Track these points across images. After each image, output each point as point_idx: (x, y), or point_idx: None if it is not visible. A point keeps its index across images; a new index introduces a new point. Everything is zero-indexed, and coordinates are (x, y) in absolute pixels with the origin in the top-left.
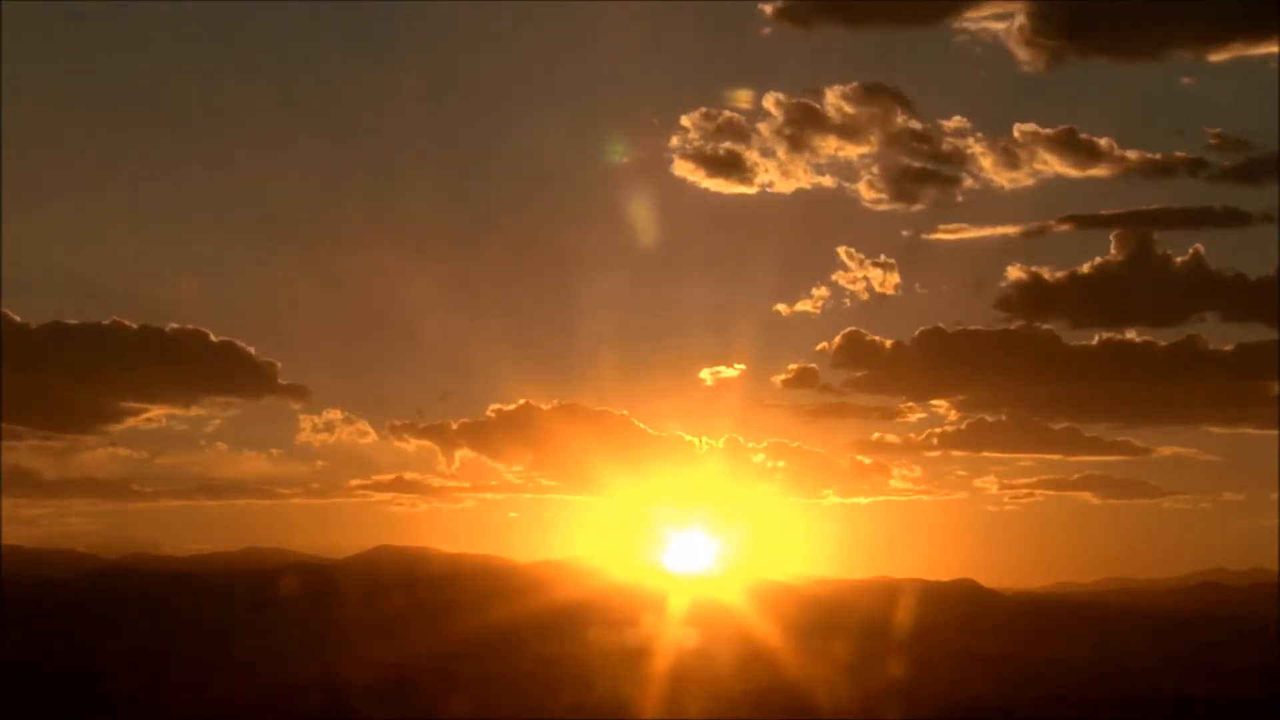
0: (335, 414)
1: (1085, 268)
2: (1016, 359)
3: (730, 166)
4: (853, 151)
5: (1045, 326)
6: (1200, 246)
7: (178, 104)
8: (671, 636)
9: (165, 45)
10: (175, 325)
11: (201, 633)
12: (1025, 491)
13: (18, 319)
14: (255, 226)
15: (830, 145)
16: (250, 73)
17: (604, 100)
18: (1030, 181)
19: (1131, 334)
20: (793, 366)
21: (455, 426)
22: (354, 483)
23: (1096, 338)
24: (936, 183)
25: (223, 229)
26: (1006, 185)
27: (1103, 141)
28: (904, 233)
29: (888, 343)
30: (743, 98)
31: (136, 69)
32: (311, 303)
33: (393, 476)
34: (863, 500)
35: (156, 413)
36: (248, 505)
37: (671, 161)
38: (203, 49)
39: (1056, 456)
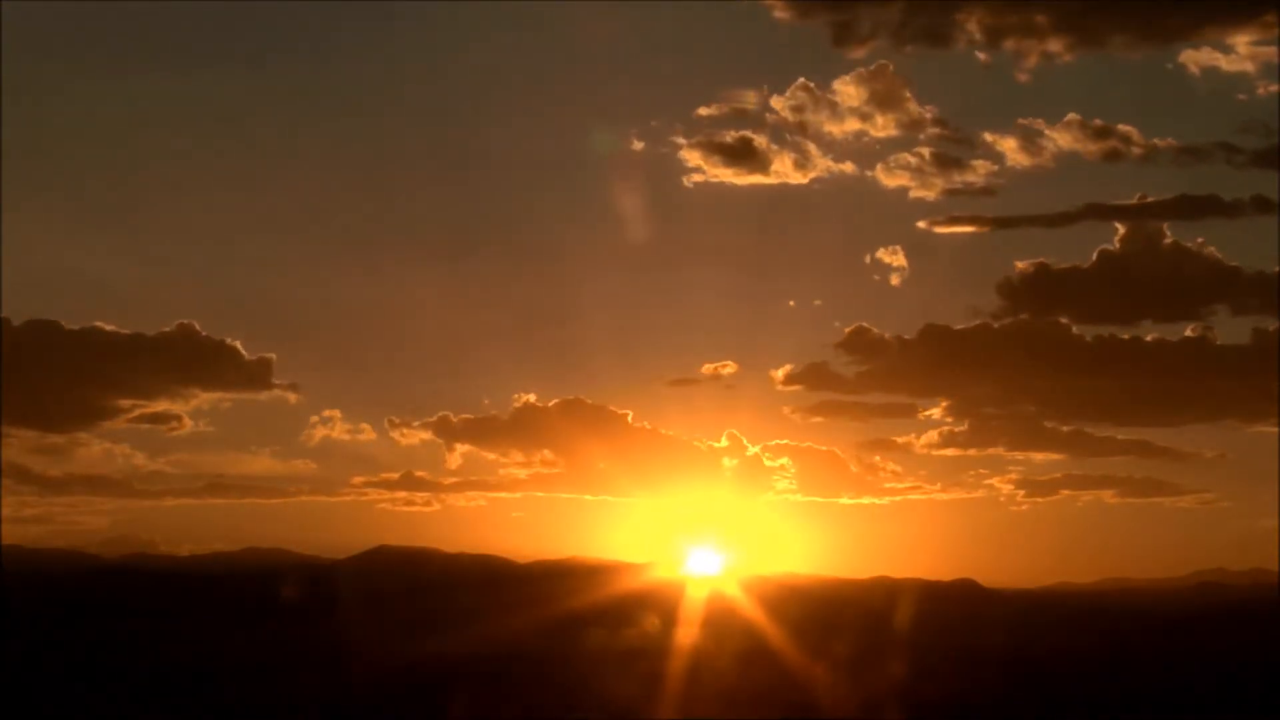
0: (334, 412)
1: (1092, 259)
2: (1027, 354)
3: (742, 156)
4: (871, 139)
5: (1059, 321)
6: (1201, 238)
7: (177, 103)
8: (672, 635)
9: (163, 44)
10: (171, 323)
11: (201, 633)
12: (1030, 491)
13: (7, 317)
14: (254, 225)
15: (846, 133)
16: (247, 71)
17: (613, 93)
18: (1054, 169)
19: (1141, 328)
20: (802, 363)
21: (455, 424)
22: (354, 482)
23: (1107, 332)
24: (957, 171)
25: (221, 228)
26: (1031, 174)
27: (1127, 129)
28: (920, 224)
29: (899, 338)
30: (754, 85)
31: (135, 69)
32: (310, 300)
33: (393, 476)
34: (866, 500)
35: (155, 411)
36: (247, 504)
37: (682, 154)
38: (198, 48)
39: (1061, 456)
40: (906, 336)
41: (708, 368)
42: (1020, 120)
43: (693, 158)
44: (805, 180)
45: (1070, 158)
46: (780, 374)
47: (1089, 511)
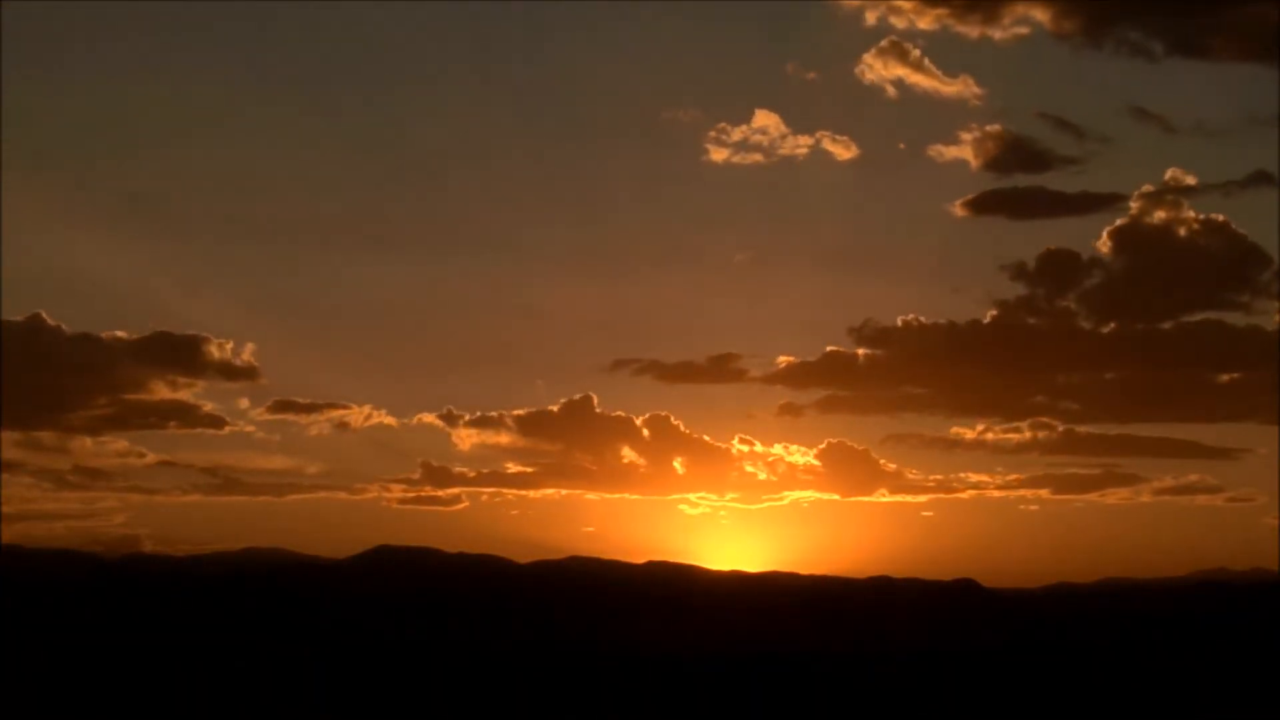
0: (336, 413)
1: (1106, 246)
2: (1035, 348)
3: (771, 139)
4: (905, 117)
5: (1073, 311)
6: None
7: (177, 104)
8: (673, 633)
9: (159, 44)
10: (171, 322)
11: (201, 633)
12: (1044, 490)
13: (6, 316)
14: (256, 225)
15: (875, 113)
16: (249, 72)
17: (622, 83)
18: (1106, 153)
19: (1160, 317)
20: (815, 358)
21: (461, 424)
22: (356, 482)
23: (1126, 323)
24: (999, 152)
25: (223, 227)
26: (1078, 158)
27: (1177, 110)
28: (949, 205)
29: (919, 330)
30: (784, 60)
31: (132, 68)
32: (311, 300)
33: (395, 476)
34: (873, 499)
35: (154, 403)
36: (248, 504)
37: (708, 141)
38: (192, 48)
39: (1072, 455)
40: (933, 330)
41: (717, 360)
42: (1074, 101)
43: (715, 135)
44: (843, 158)
45: (1129, 141)
46: (787, 364)
47: (1090, 511)
